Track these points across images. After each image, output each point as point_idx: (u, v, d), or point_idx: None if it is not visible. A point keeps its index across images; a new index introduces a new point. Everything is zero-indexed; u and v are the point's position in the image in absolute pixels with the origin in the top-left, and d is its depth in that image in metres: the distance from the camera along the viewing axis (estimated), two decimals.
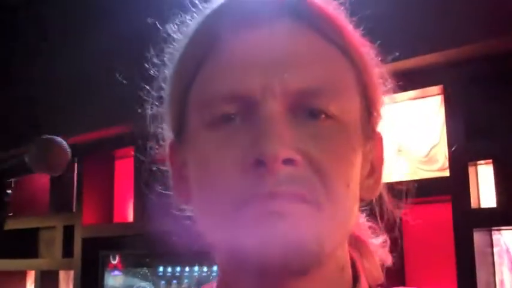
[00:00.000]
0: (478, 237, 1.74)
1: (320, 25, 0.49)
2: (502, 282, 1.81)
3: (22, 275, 3.15)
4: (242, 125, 0.47)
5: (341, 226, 0.48)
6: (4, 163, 1.03)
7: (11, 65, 2.98)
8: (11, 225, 3.03)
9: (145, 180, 2.69)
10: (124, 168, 2.87)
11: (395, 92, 2.10)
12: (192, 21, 0.52)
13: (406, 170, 2.03)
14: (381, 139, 0.57)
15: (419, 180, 1.93)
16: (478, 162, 1.78)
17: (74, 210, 2.87)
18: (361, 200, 0.53)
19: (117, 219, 2.87)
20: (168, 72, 0.53)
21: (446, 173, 1.82)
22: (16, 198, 3.20)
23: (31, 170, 0.92)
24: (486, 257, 1.80)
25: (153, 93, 0.57)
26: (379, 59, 0.57)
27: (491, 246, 1.83)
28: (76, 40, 2.68)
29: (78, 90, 2.68)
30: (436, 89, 1.88)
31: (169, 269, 2.39)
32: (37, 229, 3.07)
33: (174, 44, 0.53)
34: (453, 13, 1.69)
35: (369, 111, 0.53)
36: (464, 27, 1.67)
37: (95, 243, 2.72)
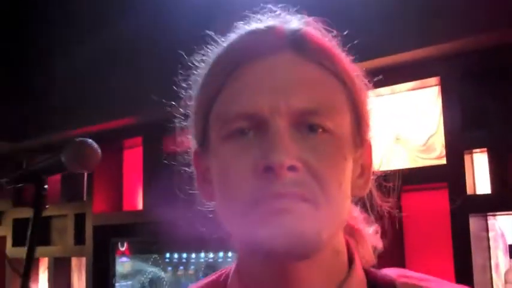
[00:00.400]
0: (473, 222, 1.81)
1: (317, 56, 0.61)
2: (497, 265, 1.89)
3: (35, 262, 3.24)
4: (254, 138, 0.58)
5: (335, 219, 0.59)
6: (42, 162, 1.13)
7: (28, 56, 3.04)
8: (24, 214, 3.12)
9: (154, 170, 2.78)
10: (132, 158, 2.95)
11: (394, 83, 2.16)
12: (212, 53, 0.65)
13: (405, 158, 2.10)
14: (370, 146, 0.66)
15: (418, 168, 2.00)
16: (474, 150, 1.85)
17: (85, 199, 2.95)
18: (354, 196, 0.64)
19: (126, 207, 2.95)
20: (192, 93, 0.66)
21: (444, 161, 1.89)
22: (29, 189, 3.29)
23: (66, 169, 1.04)
24: (482, 242, 1.87)
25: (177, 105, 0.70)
26: (367, 80, 0.66)
27: (487, 231, 1.89)
28: (90, 32, 2.75)
29: (88, 83, 2.75)
30: (433, 80, 1.95)
31: (176, 256, 2.45)
32: (49, 217, 3.15)
33: (198, 71, 0.66)
34: (449, 8, 1.75)
35: (359, 124, 0.63)
36: (460, 21, 1.73)
37: (105, 231, 2.81)
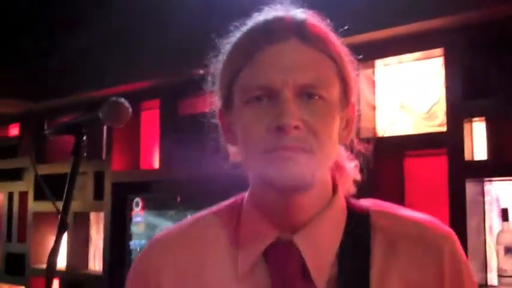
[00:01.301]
0: (470, 187, 1.92)
1: (315, 42, 0.82)
2: (490, 227, 2.00)
3: (56, 217, 3.38)
4: (268, 103, 0.79)
5: (325, 163, 0.82)
6: (82, 117, 1.27)
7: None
8: (46, 170, 3.28)
9: (170, 131, 2.92)
10: (149, 120, 3.07)
11: (400, 53, 2.26)
12: (234, 37, 0.86)
13: (409, 125, 2.20)
14: (353, 106, 0.87)
15: (420, 134, 2.11)
16: (473, 119, 1.94)
17: (104, 157, 3.10)
18: (340, 143, 0.87)
19: (143, 166, 3.09)
20: (217, 68, 0.87)
21: (444, 129, 1.99)
22: (51, 147, 3.44)
23: (102, 123, 1.20)
24: (478, 205, 1.98)
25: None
26: (354, 57, 0.87)
27: (483, 195, 2.00)
28: None
29: (108, 47, 2.86)
30: (438, 51, 2.03)
31: (190, 214, 2.56)
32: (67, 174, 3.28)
33: (223, 50, 0.87)
34: None
35: (345, 91, 0.84)
36: None
37: (123, 188, 2.96)
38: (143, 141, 3.09)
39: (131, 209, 2.87)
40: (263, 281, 0.84)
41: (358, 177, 0.90)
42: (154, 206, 2.79)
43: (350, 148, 0.90)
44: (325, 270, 0.83)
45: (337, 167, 0.89)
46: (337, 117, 0.82)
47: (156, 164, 2.97)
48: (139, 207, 2.86)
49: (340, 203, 0.87)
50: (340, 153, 0.89)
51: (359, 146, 0.91)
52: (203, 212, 0.95)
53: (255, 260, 0.85)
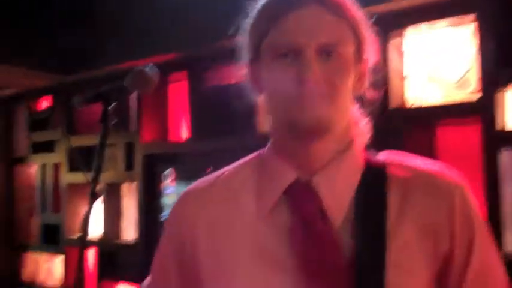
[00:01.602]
0: (504, 156, 1.89)
1: (333, 7, 0.92)
2: None
3: (88, 187, 3.43)
4: (292, 60, 0.90)
5: (342, 111, 0.92)
6: (110, 86, 1.29)
7: None
8: (78, 142, 3.32)
9: (198, 102, 2.92)
10: (176, 92, 3.08)
11: (433, 20, 2.22)
12: (259, 5, 0.96)
13: (440, 94, 2.16)
14: (366, 61, 0.97)
15: (452, 103, 2.07)
16: (506, 87, 1.90)
17: (133, 128, 3.12)
18: (354, 94, 0.96)
19: (172, 138, 3.11)
20: (246, 28, 0.98)
21: (477, 97, 1.95)
22: (81, 119, 3.48)
23: (129, 91, 1.24)
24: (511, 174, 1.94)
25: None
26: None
27: None
28: None
29: (138, 18, 2.85)
30: (470, 17, 1.98)
31: None
32: (98, 146, 3.32)
33: (250, 15, 0.98)
34: None
35: (359, 49, 0.95)
36: None
37: (153, 159, 2.99)
38: (171, 113, 3.10)
39: (162, 181, 2.90)
40: (284, 220, 0.93)
41: (370, 132, 1.00)
42: (185, 177, 2.81)
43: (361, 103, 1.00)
44: (341, 212, 0.91)
45: (353, 122, 0.98)
46: (352, 71, 0.93)
47: (185, 136, 2.98)
48: (171, 179, 2.89)
49: (357, 152, 0.96)
50: (355, 110, 0.99)
51: (370, 94, 1.00)
52: (230, 165, 1.05)
53: (276, 200, 0.94)
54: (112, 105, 1.27)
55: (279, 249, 0.92)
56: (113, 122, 1.29)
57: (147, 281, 1.14)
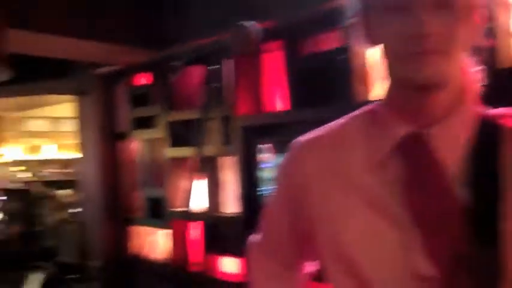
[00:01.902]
0: None
1: None
2: None
3: (185, 162, 3.47)
4: (406, 15, 0.87)
5: (456, 64, 0.92)
6: (210, 46, 1.26)
7: None
8: (177, 117, 3.35)
9: (295, 71, 2.85)
10: (270, 62, 3.01)
11: None
12: None
13: None
14: (479, 13, 0.92)
15: None
16: None
17: (229, 102, 3.09)
18: (468, 45, 0.93)
19: (268, 109, 3.05)
20: None
21: None
22: (179, 94, 3.50)
23: (230, 50, 1.23)
24: None
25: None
26: None
27: None
28: None
29: None
30: None
31: None
32: (198, 120, 3.32)
33: None
34: None
35: (472, 4, 0.91)
36: None
37: (251, 131, 2.96)
38: (265, 84, 3.04)
39: (260, 153, 2.86)
40: (395, 173, 0.94)
41: (482, 80, 0.98)
42: (285, 150, 2.75)
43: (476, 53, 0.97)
44: (456, 164, 0.91)
45: (466, 73, 0.96)
46: (465, 23, 0.90)
47: (280, 107, 2.92)
48: (269, 152, 2.84)
49: (471, 105, 0.96)
50: (467, 62, 0.97)
51: (482, 43, 0.96)
52: (341, 118, 1.06)
53: (387, 152, 0.95)
54: (213, 66, 1.25)
55: (390, 201, 0.93)
56: (214, 85, 1.26)
57: (254, 237, 1.18)
